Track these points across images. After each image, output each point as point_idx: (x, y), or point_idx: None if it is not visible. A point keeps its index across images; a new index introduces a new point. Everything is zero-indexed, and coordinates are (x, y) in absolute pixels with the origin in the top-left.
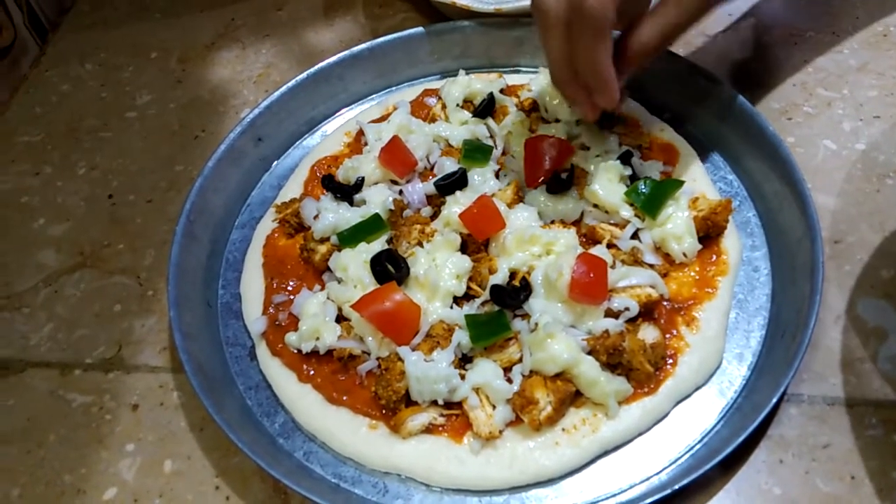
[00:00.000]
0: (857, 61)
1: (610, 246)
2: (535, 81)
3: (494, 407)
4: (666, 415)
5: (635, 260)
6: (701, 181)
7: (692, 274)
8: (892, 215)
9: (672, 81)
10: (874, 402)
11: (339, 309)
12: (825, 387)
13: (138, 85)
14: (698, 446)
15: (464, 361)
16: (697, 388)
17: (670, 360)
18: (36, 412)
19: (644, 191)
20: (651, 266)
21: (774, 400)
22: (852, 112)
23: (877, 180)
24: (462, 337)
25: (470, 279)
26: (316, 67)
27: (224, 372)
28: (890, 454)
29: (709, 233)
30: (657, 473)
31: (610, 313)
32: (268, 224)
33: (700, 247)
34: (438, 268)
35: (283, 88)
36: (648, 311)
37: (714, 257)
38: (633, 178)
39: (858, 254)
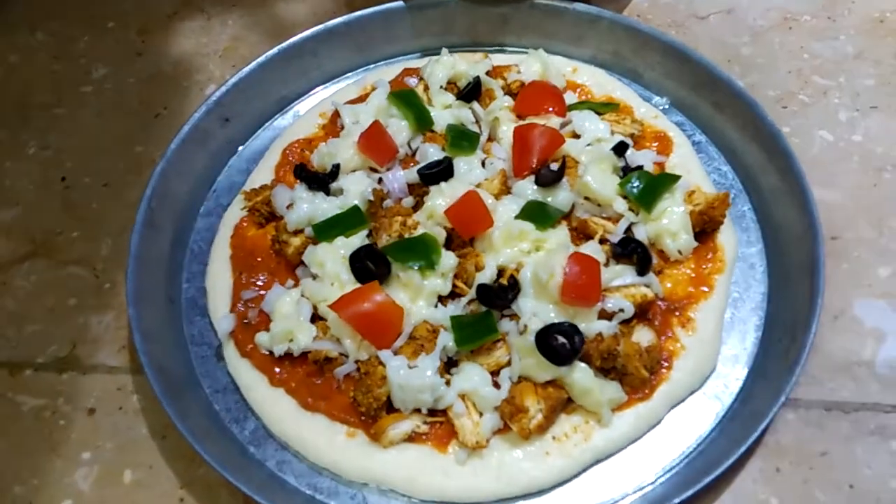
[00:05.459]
0: (853, 48)
1: (602, 241)
2: (525, 63)
3: (481, 414)
4: (660, 421)
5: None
6: (695, 173)
7: (687, 271)
8: (890, 211)
9: (666, 67)
10: (872, 408)
11: (315, 307)
12: (822, 391)
13: (94, 57)
14: (693, 454)
15: (449, 365)
16: (692, 393)
17: (665, 364)
18: None
19: (639, 183)
20: None
21: (775, 410)
22: (849, 101)
23: (874, 174)
24: (447, 339)
25: (455, 276)
26: (288, 42)
27: (189, 373)
28: (889, 462)
29: (704, 228)
30: (651, 483)
31: (603, 315)
32: (236, 212)
33: (696, 244)
34: None
35: (253, 64)
36: (643, 312)
37: (710, 254)
38: (626, 168)
39: (856, 251)
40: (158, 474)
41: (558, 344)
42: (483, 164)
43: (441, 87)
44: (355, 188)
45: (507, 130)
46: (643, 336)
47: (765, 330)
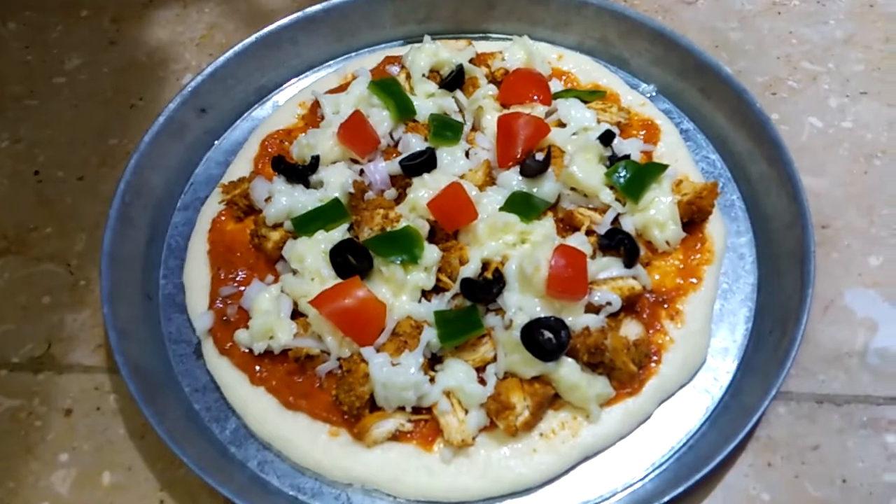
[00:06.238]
0: (843, 33)
1: (589, 233)
2: (509, 51)
3: (467, 412)
4: (649, 416)
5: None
6: (683, 161)
7: (676, 263)
8: (881, 198)
9: (653, 53)
10: (864, 400)
11: (295, 303)
12: (813, 383)
13: (67, 47)
14: (683, 449)
15: (433, 361)
16: (681, 387)
17: (654, 358)
18: None
19: (626, 173)
20: None
21: (766, 403)
22: (838, 87)
23: (864, 161)
24: (431, 335)
25: (439, 270)
26: (266, 30)
27: (167, 372)
28: (881, 456)
29: (693, 218)
30: (641, 479)
31: (590, 308)
32: (214, 206)
33: (684, 234)
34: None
35: (230, 53)
36: (630, 305)
37: (698, 245)
38: (613, 158)
39: (846, 239)
40: (137, 476)
41: (544, 339)
42: (467, 154)
43: (423, 75)
44: (336, 180)
45: (491, 120)
46: (631, 329)
47: (755, 321)
